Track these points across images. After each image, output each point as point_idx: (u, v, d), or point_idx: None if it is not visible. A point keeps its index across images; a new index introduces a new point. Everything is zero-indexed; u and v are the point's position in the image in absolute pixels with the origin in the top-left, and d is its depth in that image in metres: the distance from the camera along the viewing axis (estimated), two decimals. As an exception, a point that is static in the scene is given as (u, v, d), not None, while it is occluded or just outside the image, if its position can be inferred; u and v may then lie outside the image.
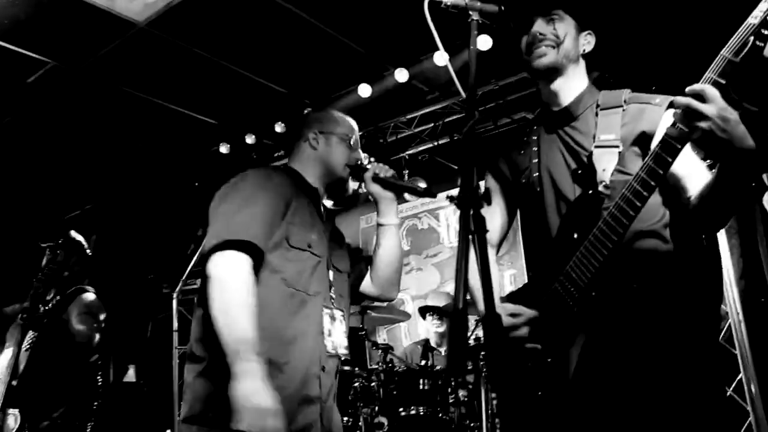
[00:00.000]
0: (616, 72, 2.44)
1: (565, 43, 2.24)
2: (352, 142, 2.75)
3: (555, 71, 2.27)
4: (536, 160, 2.30)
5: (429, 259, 8.28)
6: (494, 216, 2.47)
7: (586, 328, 1.98)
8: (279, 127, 7.23)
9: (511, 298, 2.28)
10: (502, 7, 2.00)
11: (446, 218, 8.19)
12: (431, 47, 6.06)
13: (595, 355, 1.95)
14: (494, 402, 4.84)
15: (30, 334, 3.79)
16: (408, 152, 7.45)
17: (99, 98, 6.45)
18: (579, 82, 2.30)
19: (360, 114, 7.05)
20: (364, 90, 6.52)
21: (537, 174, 2.27)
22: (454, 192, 1.39)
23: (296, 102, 6.92)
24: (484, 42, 5.56)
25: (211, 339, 2.12)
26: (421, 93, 6.84)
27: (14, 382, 3.78)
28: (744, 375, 5.04)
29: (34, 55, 5.75)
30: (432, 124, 7.11)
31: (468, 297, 1.31)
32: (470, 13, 1.95)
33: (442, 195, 8.07)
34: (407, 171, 7.37)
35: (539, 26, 2.27)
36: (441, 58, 5.88)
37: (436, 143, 7.26)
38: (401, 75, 6.25)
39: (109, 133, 7.11)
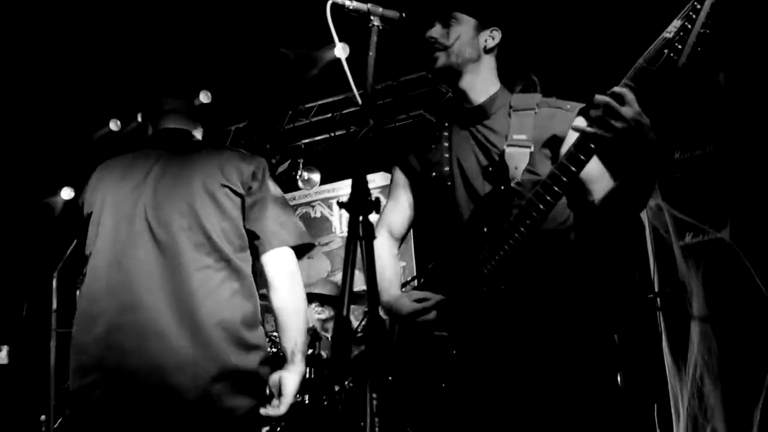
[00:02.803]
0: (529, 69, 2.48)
1: (454, 46, 2.28)
2: None
3: (450, 73, 2.32)
4: (447, 155, 2.33)
5: (320, 248, 8.30)
6: (400, 209, 2.51)
7: (493, 321, 2.06)
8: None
9: (418, 288, 2.33)
10: (403, 14, 2.05)
11: (339, 208, 8.23)
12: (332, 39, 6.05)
13: (500, 348, 2.04)
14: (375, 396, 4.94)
15: None
16: (304, 141, 7.44)
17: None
18: (487, 79, 2.35)
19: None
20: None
21: (448, 168, 2.31)
22: (344, 198, 1.43)
23: (192, 84, 6.78)
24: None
25: (260, 326, 2.36)
26: (319, 83, 6.84)
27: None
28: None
29: None
30: (329, 115, 7.13)
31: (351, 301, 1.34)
32: (371, 18, 1.99)
33: (336, 185, 8.15)
34: (301, 160, 7.38)
35: (433, 30, 2.33)
36: (340, 52, 5.90)
37: (332, 134, 7.29)
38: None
39: None
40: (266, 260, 2.40)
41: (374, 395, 1.44)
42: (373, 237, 1.41)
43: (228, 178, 2.38)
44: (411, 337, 2.19)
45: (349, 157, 1.77)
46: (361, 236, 1.36)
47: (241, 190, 2.39)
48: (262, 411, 2.25)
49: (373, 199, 1.44)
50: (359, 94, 1.74)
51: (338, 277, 7.86)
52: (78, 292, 2.56)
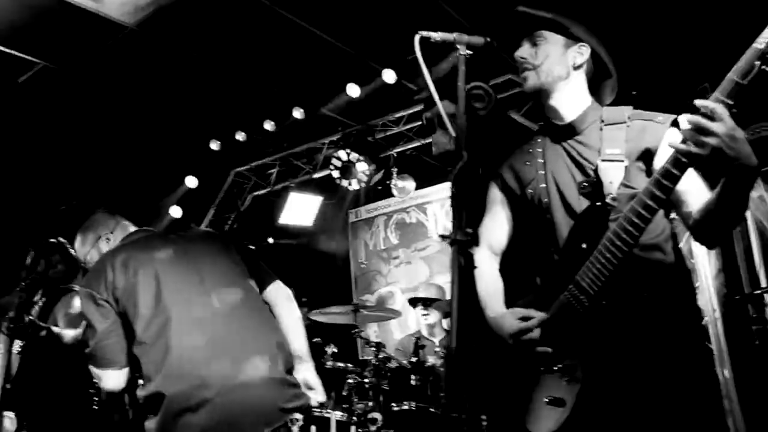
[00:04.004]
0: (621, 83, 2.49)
1: (543, 66, 2.32)
2: None
3: (542, 91, 2.36)
4: (542, 171, 2.37)
5: (417, 253, 8.41)
6: (499, 225, 2.53)
7: (597, 336, 2.09)
8: (268, 125, 7.32)
9: (518, 306, 2.36)
10: (488, 39, 2.11)
11: (434, 213, 8.32)
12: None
13: (607, 362, 2.06)
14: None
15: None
16: (396, 150, 7.55)
17: (88, 97, 6.50)
18: (578, 95, 2.37)
19: (349, 112, 7.21)
20: (353, 90, 6.62)
21: (544, 185, 2.35)
22: (446, 231, 1.51)
23: (286, 102, 7.01)
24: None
25: None
26: (409, 92, 6.94)
27: (8, 386, 3.83)
28: (720, 369, 5.21)
29: (25, 56, 5.79)
30: (420, 123, 7.21)
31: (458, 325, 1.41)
32: (458, 47, 2.05)
33: (429, 190, 8.23)
34: (395, 168, 7.48)
35: (521, 50, 2.37)
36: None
37: (423, 141, 7.37)
38: (389, 76, 6.35)
39: (99, 131, 7.15)
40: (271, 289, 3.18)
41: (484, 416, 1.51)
42: (473, 267, 1.48)
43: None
44: (516, 353, 2.23)
45: (450, 193, 1.82)
46: (463, 267, 1.44)
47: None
48: (314, 401, 2.94)
49: (473, 232, 1.52)
50: (452, 128, 1.80)
51: (438, 279, 7.95)
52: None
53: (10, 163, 7.35)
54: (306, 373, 2.99)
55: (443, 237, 1.53)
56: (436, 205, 8.34)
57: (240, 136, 7.52)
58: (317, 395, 2.99)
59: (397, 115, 7.25)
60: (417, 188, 7.80)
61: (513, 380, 2.24)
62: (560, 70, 2.33)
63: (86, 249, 3.26)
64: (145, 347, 2.79)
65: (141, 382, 2.84)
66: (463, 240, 1.47)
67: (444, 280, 7.97)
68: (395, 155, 7.58)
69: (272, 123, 7.31)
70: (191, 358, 2.74)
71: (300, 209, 8.34)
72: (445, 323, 6.19)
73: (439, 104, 1.96)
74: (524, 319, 2.22)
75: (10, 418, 3.77)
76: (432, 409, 4.89)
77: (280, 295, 3.16)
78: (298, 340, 3.05)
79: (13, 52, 5.68)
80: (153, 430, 2.71)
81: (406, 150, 7.59)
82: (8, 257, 4.05)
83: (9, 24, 5.31)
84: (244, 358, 2.78)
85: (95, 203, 3.35)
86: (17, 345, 3.93)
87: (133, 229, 3.28)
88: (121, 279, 2.87)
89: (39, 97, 6.40)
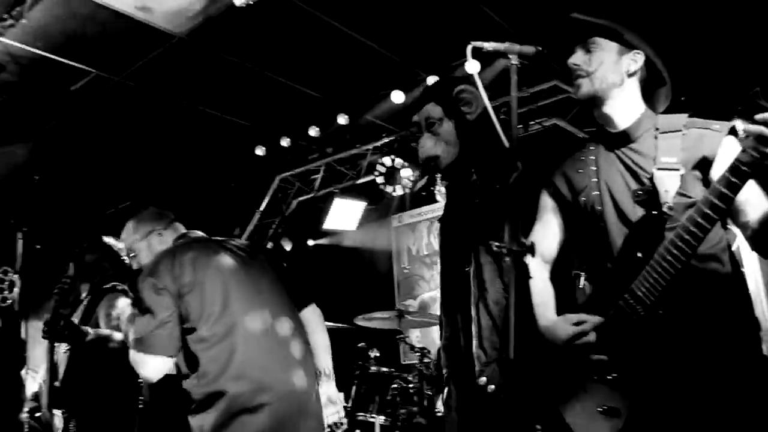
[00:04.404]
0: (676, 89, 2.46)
1: (597, 72, 2.30)
2: None
3: (596, 99, 2.34)
4: (596, 179, 2.35)
5: (461, 258, 8.37)
6: (550, 233, 2.51)
7: (653, 346, 2.07)
8: (313, 131, 7.40)
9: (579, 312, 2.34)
10: (539, 48, 2.11)
11: (478, 219, 8.29)
12: (462, 54, 6.16)
13: (663, 373, 2.05)
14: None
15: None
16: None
17: (138, 104, 6.64)
18: (632, 103, 2.35)
19: (393, 119, 7.25)
20: (397, 96, 6.66)
21: (597, 193, 2.33)
22: (501, 241, 1.52)
23: (331, 107, 7.07)
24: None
25: None
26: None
27: (56, 384, 3.91)
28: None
29: (78, 65, 5.93)
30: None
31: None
32: (509, 56, 2.07)
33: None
34: (440, 174, 7.46)
35: (575, 57, 2.35)
36: (473, 67, 5.98)
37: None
38: (433, 82, 6.36)
39: (148, 137, 7.30)
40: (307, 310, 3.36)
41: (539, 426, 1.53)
42: (529, 277, 1.50)
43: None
44: (569, 360, 2.23)
45: (503, 203, 1.83)
46: (518, 277, 1.45)
47: None
48: (335, 417, 3.20)
49: (528, 243, 1.53)
50: (506, 138, 1.81)
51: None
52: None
53: (63, 168, 7.53)
54: (330, 389, 3.26)
55: (498, 247, 1.54)
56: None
57: (285, 142, 7.61)
58: (339, 412, 3.25)
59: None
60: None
61: (566, 388, 2.24)
62: (614, 77, 2.31)
63: (135, 238, 3.34)
64: (209, 345, 2.93)
65: (195, 377, 2.94)
66: (518, 250, 1.48)
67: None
68: (439, 161, 7.57)
69: (317, 129, 7.38)
70: (252, 362, 2.94)
71: (344, 214, 8.41)
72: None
73: (491, 111, 1.97)
74: (578, 324, 2.21)
75: (58, 417, 3.85)
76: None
77: (315, 316, 3.39)
78: (326, 359, 3.31)
79: (66, 61, 5.82)
80: (209, 426, 2.85)
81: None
82: (61, 260, 4.14)
83: (63, 34, 5.45)
84: (291, 369, 3.03)
85: (143, 206, 3.41)
86: (64, 345, 4.02)
87: (183, 230, 3.38)
88: (188, 275, 2.99)
89: (91, 105, 6.55)
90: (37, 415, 3.87)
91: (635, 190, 2.24)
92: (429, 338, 8.16)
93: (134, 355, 2.93)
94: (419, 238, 8.87)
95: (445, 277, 2.78)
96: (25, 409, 3.89)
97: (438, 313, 5.63)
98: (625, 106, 2.34)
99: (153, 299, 2.93)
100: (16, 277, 3.79)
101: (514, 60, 2.07)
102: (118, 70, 6.07)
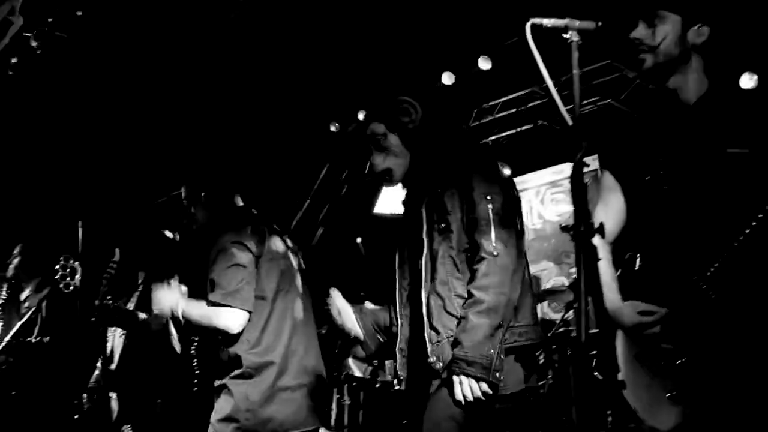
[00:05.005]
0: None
1: (661, 46, 2.22)
2: None
3: (658, 74, 2.26)
4: (661, 157, 2.28)
5: (512, 242, 8.30)
6: (612, 214, 2.44)
7: (726, 331, 2.01)
8: (362, 116, 7.39)
9: (635, 294, 2.29)
10: (599, 23, 2.05)
11: (529, 201, 8.21)
12: (513, 34, 6.09)
13: (737, 358, 1.99)
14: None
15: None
16: (491, 138, 7.48)
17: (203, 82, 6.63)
18: (696, 77, 2.27)
19: (443, 101, 7.18)
20: (448, 78, 6.60)
21: (663, 171, 2.27)
22: (569, 222, 1.48)
23: (379, 92, 7.02)
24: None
25: None
26: (503, 79, 6.86)
27: (112, 367, 3.99)
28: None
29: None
30: (514, 110, 7.13)
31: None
32: (569, 33, 2.01)
33: (524, 178, 8.12)
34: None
35: (638, 31, 2.27)
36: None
37: (518, 129, 7.28)
38: (485, 63, 6.30)
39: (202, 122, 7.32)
40: None
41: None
42: (598, 259, 1.46)
43: None
44: (635, 347, 2.18)
45: (570, 185, 1.77)
46: (588, 259, 1.41)
47: None
48: None
49: (597, 224, 1.49)
50: (569, 117, 1.77)
51: (532, 269, 7.84)
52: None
53: (120, 155, 7.60)
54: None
55: (565, 229, 1.50)
56: (531, 192, 8.22)
57: (333, 127, 7.61)
58: None
59: (492, 103, 7.17)
60: (512, 176, 7.71)
61: (631, 373, 2.19)
62: (679, 51, 2.24)
63: (198, 197, 3.43)
64: (272, 315, 3.14)
65: (248, 343, 3.09)
66: (587, 231, 1.44)
67: (537, 269, 7.87)
68: (490, 143, 7.51)
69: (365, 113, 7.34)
70: (298, 345, 3.19)
71: (394, 199, 8.38)
72: None
73: (553, 91, 1.92)
74: (644, 313, 2.16)
75: (114, 399, 3.93)
76: (531, 398, 4.85)
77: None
78: None
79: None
80: (256, 396, 3.02)
81: (501, 138, 7.50)
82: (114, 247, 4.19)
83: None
84: (319, 358, 3.34)
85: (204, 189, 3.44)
86: (119, 330, 4.10)
87: (242, 204, 3.46)
88: (260, 247, 3.17)
89: (141, 95, 6.59)
90: (95, 397, 3.95)
91: (703, 167, 2.16)
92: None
93: (217, 310, 3.04)
94: (470, 222, 8.80)
95: (401, 271, 2.78)
96: (86, 390, 3.98)
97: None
98: (689, 81, 2.27)
99: (240, 256, 3.08)
100: (77, 265, 3.87)
101: (574, 36, 2.01)
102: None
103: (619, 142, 2.50)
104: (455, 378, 2.30)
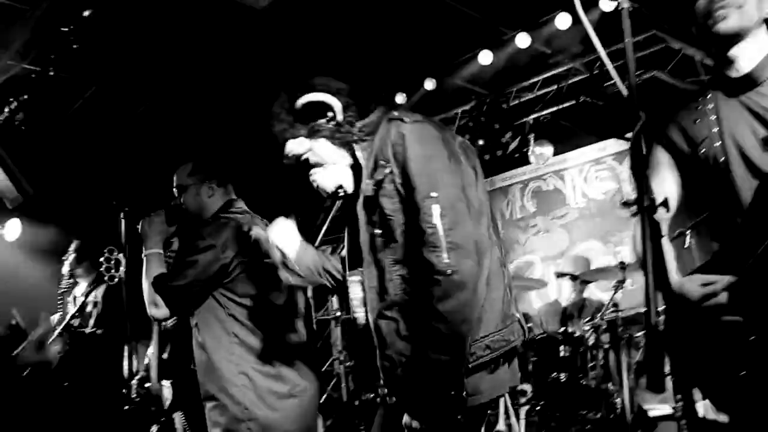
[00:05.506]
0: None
1: (746, 6, 2.08)
2: None
3: (736, 36, 2.11)
4: (716, 129, 2.16)
5: (556, 221, 8.22)
6: (666, 190, 2.29)
7: None
8: (400, 98, 7.32)
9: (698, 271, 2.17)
10: None
11: (572, 179, 8.08)
12: (550, 10, 5.99)
13: None
14: (634, 366, 4.86)
15: None
16: (531, 116, 7.36)
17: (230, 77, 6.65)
18: (760, 46, 2.15)
19: (482, 81, 7.09)
20: (485, 57, 6.49)
21: (719, 143, 2.15)
22: (631, 198, 1.40)
23: (417, 73, 6.97)
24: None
25: None
26: (543, 56, 6.74)
27: (164, 356, 4.00)
28: None
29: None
30: (555, 87, 7.00)
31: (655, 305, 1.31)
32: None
33: (566, 156, 8.00)
34: (532, 135, 7.30)
35: None
36: (564, 21, 5.80)
37: (560, 106, 7.15)
38: (522, 40, 6.18)
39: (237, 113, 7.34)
40: None
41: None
42: (661, 235, 1.38)
43: None
44: (700, 322, 2.09)
45: (630, 157, 1.67)
46: (651, 235, 1.34)
47: None
48: None
49: (662, 198, 1.41)
50: (624, 86, 1.69)
51: (578, 249, 7.75)
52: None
53: (159, 147, 7.66)
54: None
55: (626, 204, 1.42)
56: (574, 171, 8.09)
57: (400, 97, 7.51)
58: None
59: (531, 81, 7.05)
60: (554, 154, 7.59)
61: (702, 351, 2.09)
62: (758, 16, 2.11)
63: (188, 180, 3.36)
64: None
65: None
66: (650, 206, 1.36)
67: (584, 248, 7.77)
68: (531, 122, 7.38)
69: (404, 95, 7.29)
70: None
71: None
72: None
73: (607, 60, 1.83)
74: (707, 284, 2.06)
75: (167, 387, 3.94)
76: (582, 381, 4.79)
77: None
78: None
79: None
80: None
81: (542, 116, 7.38)
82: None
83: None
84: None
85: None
86: (171, 319, 4.11)
87: (234, 197, 3.40)
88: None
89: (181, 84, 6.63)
90: (146, 385, 3.97)
91: (765, 137, 2.05)
92: (525, 302, 8.04)
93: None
94: (513, 202, 8.71)
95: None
96: (135, 379, 4.01)
97: (534, 276, 5.59)
98: (753, 48, 2.14)
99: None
100: (120, 256, 3.88)
101: (625, 3, 1.92)
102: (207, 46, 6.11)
103: (669, 115, 2.40)
104: (405, 416, 2.06)
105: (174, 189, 3.39)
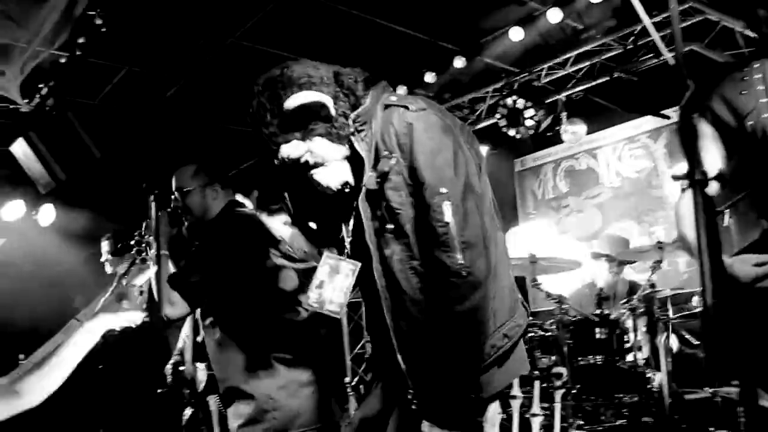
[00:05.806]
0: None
1: None
2: None
3: None
4: (765, 99, 2.09)
5: (589, 200, 8.09)
6: (710, 165, 2.15)
7: None
8: (429, 77, 7.21)
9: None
10: None
11: (605, 158, 7.94)
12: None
13: None
14: (674, 350, 4.77)
15: None
16: (564, 93, 7.21)
17: (256, 61, 6.62)
18: None
19: (513, 58, 6.96)
20: (516, 33, 6.36)
21: (767, 115, 2.08)
22: (682, 171, 1.32)
23: (445, 50, 6.85)
24: None
25: None
26: (574, 31, 6.60)
27: (199, 338, 4.00)
28: None
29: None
30: (588, 63, 6.84)
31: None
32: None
33: (599, 135, 7.85)
34: (565, 112, 7.15)
35: None
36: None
37: (593, 83, 6.99)
38: (554, 15, 6.04)
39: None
40: None
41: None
42: (714, 211, 1.30)
43: None
44: (752, 303, 2.00)
45: (678, 129, 1.59)
46: (704, 210, 1.25)
47: None
48: None
49: (716, 172, 1.32)
50: (672, 57, 1.60)
51: (612, 227, 7.62)
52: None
53: (188, 131, 7.67)
54: None
55: (677, 178, 1.34)
56: (607, 149, 7.94)
57: (401, 90, 7.44)
58: None
59: (564, 57, 6.89)
60: (587, 133, 7.44)
61: (754, 335, 2.01)
62: None
63: (191, 183, 3.40)
64: None
65: None
66: (702, 180, 1.27)
67: (618, 227, 7.63)
68: (563, 99, 7.23)
69: (433, 74, 7.18)
70: None
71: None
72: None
73: (652, 29, 1.74)
74: (760, 265, 1.97)
75: (201, 370, 3.94)
76: (618, 363, 4.71)
77: None
78: None
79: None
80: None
81: (574, 93, 7.22)
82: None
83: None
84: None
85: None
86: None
87: (234, 198, 3.44)
88: None
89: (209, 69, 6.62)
90: (181, 368, 3.99)
91: None
92: (560, 284, 7.92)
93: None
94: (545, 181, 8.58)
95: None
96: (170, 363, 4.02)
97: (569, 258, 5.51)
98: None
99: None
100: (151, 240, 3.87)
101: (668, -29, 1.82)
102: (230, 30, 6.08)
103: (712, 87, 2.29)
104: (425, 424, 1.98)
105: (174, 191, 3.42)
